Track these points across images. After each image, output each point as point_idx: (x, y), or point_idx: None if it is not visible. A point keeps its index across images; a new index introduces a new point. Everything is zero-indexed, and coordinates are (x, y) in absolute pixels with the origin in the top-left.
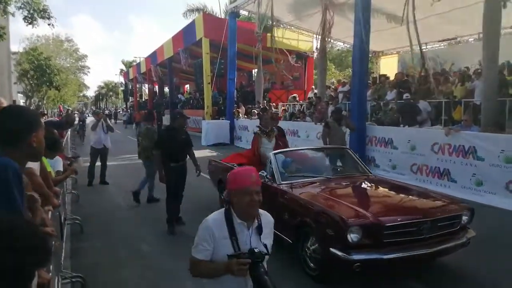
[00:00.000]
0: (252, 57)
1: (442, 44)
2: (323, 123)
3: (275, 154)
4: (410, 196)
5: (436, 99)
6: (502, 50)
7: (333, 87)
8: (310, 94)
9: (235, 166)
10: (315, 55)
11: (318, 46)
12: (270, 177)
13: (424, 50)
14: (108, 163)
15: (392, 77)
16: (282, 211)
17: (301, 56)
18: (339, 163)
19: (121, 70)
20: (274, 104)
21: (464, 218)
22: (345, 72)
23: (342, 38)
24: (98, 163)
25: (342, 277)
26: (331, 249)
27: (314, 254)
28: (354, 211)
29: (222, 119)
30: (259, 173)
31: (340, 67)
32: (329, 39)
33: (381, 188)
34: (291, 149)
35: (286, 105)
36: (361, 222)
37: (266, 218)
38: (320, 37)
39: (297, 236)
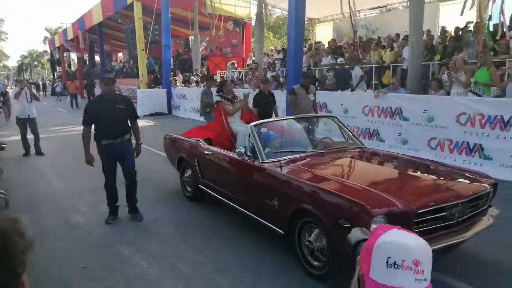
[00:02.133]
0: (188, 22)
1: (373, 12)
2: (289, 90)
3: (254, 126)
4: (431, 173)
5: (368, 64)
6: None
7: (271, 54)
8: (249, 61)
9: (200, 141)
10: (252, 21)
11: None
12: (250, 154)
13: (357, 17)
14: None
15: (327, 44)
16: (268, 196)
17: (239, 23)
18: (327, 134)
19: (45, 38)
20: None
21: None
22: (283, 40)
23: (279, 4)
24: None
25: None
26: None
27: (319, 250)
28: (375, 195)
29: (159, 88)
30: (237, 149)
31: (278, 35)
32: (266, 5)
33: (390, 164)
34: (271, 119)
35: (225, 72)
36: (387, 210)
37: None
38: (257, 2)
39: (292, 227)
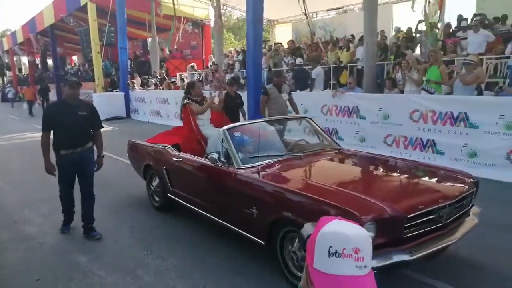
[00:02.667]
0: (145, 24)
1: (331, 13)
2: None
3: (227, 129)
4: (415, 174)
5: (326, 65)
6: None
7: (231, 55)
8: (210, 63)
9: (168, 147)
10: (211, 22)
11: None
12: (224, 160)
13: (314, 19)
14: None
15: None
16: (246, 204)
17: (198, 24)
18: (301, 136)
19: None
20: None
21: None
22: (243, 41)
23: (238, 6)
24: None
25: None
26: None
27: (303, 261)
28: (363, 201)
29: (116, 91)
30: (209, 155)
31: (239, 36)
32: (224, 6)
33: (371, 166)
34: (244, 122)
35: (185, 74)
36: (377, 216)
37: None
38: (215, 4)
39: (273, 237)
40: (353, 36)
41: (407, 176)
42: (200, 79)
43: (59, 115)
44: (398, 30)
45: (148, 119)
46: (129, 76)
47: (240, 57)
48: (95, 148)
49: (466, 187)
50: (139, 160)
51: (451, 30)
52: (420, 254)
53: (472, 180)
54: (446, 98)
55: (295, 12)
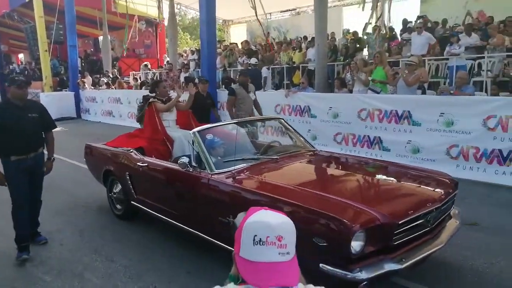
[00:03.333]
0: (96, 22)
1: (284, 15)
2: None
3: (198, 132)
4: (398, 177)
5: (279, 65)
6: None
7: (185, 55)
8: (165, 62)
9: (131, 151)
10: (165, 21)
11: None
12: (196, 165)
13: (269, 19)
14: None
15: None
16: (221, 213)
17: (151, 23)
18: (274, 138)
19: None
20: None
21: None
22: (198, 41)
23: (192, 5)
24: None
25: None
26: (322, 265)
27: None
28: (352, 208)
29: (65, 90)
30: (179, 160)
31: (194, 36)
32: (178, 6)
33: (352, 169)
34: (215, 124)
35: (139, 73)
36: (368, 224)
37: None
38: (168, 2)
39: None
40: (305, 37)
41: (391, 179)
42: (154, 78)
43: (6, 118)
44: (347, 32)
45: (99, 119)
46: (79, 75)
47: (195, 56)
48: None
49: (450, 189)
50: (98, 165)
51: (393, 33)
52: (410, 262)
53: (452, 181)
54: (391, 97)
55: (249, 12)
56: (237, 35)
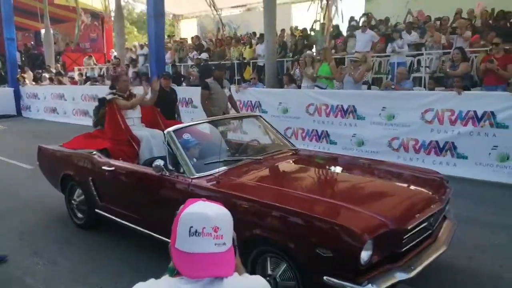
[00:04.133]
0: (37, 14)
1: (235, 11)
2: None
3: (173, 131)
4: (396, 178)
5: (230, 61)
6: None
7: (134, 49)
8: (112, 57)
9: (94, 154)
10: (112, 14)
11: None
12: (172, 168)
13: (220, 15)
14: None
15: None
16: None
17: (97, 16)
18: (252, 137)
19: None
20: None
21: None
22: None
23: None
24: None
25: None
26: (326, 278)
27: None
28: (359, 214)
29: (3, 86)
30: (154, 163)
31: (143, 30)
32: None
33: (344, 169)
34: (191, 123)
35: (84, 69)
36: (377, 232)
37: None
38: None
39: (244, 260)
40: (254, 33)
41: (389, 181)
42: (101, 73)
43: None
44: (295, 29)
45: (42, 116)
46: (19, 70)
47: (145, 51)
48: None
49: (447, 188)
50: (54, 169)
51: (339, 30)
52: (419, 269)
53: (443, 178)
54: (337, 92)
55: (200, 7)
56: (188, 30)
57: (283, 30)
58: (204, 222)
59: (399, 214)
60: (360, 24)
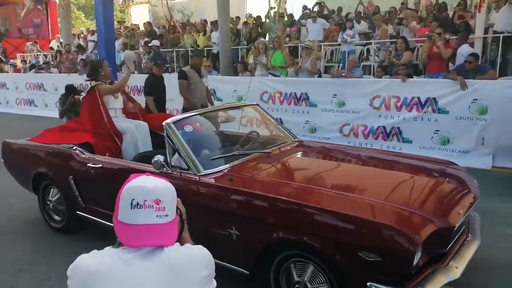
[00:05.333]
0: None
1: None
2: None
3: (174, 123)
4: (424, 173)
5: (184, 48)
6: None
7: (82, 35)
8: (55, 43)
9: (75, 149)
10: None
11: None
12: (176, 165)
13: (173, 1)
14: None
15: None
16: (219, 224)
17: (41, 0)
18: (252, 127)
19: None
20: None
21: None
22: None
23: None
24: None
25: None
26: (371, 284)
27: None
28: (405, 213)
29: None
30: (153, 159)
31: (91, 16)
32: None
33: (365, 164)
34: (191, 113)
35: (28, 55)
36: (428, 232)
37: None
38: None
39: (261, 264)
40: (205, 20)
41: (418, 175)
42: (47, 60)
43: None
44: (250, 16)
45: None
46: None
47: (95, 37)
48: None
49: (474, 180)
50: (24, 167)
51: (293, 19)
52: (463, 267)
53: (464, 169)
54: (290, 80)
55: None
56: (139, 17)
57: (237, 18)
58: (146, 195)
59: (444, 212)
60: (312, 14)
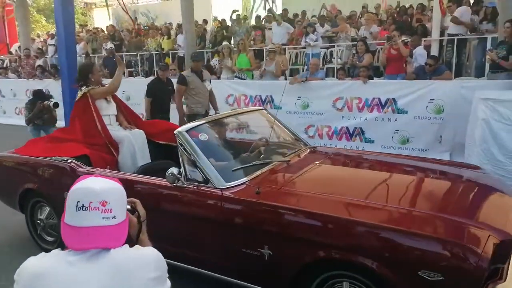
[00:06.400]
0: None
1: (153, 0)
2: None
3: (187, 131)
4: (462, 180)
5: (148, 51)
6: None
7: (41, 39)
8: (14, 47)
9: (71, 162)
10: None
11: None
12: (191, 178)
13: (136, 4)
14: None
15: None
16: (249, 243)
17: None
18: (262, 134)
19: None
20: None
21: None
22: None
23: None
24: None
25: None
26: None
27: None
28: (468, 227)
29: None
30: (168, 172)
31: (51, 19)
32: None
33: (391, 170)
34: (203, 121)
35: None
36: (494, 247)
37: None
38: None
39: (296, 286)
40: (170, 24)
41: (459, 183)
42: (4, 66)
43: None
44: (215, 19)
45: None
46: None
47: (55, 41)
48: None
49: (506, 182)
50: (10, 183)
51: (261, 23)
52: None
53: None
54: (255, 83)
55: None
56: (102, 20)
57: (204, 21)
58: (91, 197)
59: (502, 223)
60: (276, 17)
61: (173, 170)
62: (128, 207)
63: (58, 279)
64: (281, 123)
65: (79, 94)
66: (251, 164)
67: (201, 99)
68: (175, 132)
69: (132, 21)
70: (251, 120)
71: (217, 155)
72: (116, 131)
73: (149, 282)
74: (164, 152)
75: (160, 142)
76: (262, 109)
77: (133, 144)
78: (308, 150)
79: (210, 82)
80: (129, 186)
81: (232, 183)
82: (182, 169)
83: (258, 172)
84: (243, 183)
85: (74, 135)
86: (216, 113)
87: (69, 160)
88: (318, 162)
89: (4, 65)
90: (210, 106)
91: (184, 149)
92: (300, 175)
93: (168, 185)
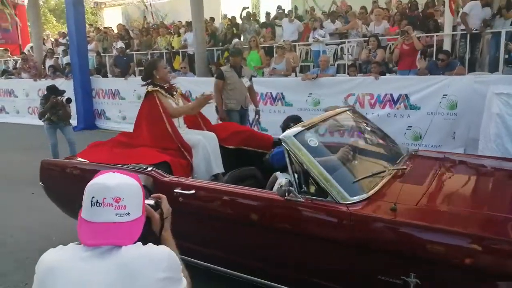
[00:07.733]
0: None
1: None
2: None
3: (295, 136)
4: None
5: (158, 50)
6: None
7: (52, 39)
8: (28, 48)
9: (152, 170)
10: (25, 2)
11: None
12: (305, 190)
13: (146, 3)
14: None
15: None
16: (386, 270)
17: (5, 3)
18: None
19: None
20: None
21: None
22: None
23: None
24: None
25: None
26: None
27: None
28: None
29: None
30: (277, 183)
31: (62, 19)
32: None
33: (484, 175)
34: (307, 123)
35: None
36: None
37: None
38: None
39: None
40: (180, 22)
41: None
42: (16, 66)
43: None
44: (224, 17)
45: None
46: None
47: (66, 41)
48: None
49: None
50: (73, 192)
51: (270, 20)
52: None
53: None
54: (266, 80)
55: None
56: (112, 19)
57: (212, 19)
58: (105, 193)
59: None
60: (287, 13)
61: (285, 181)
62: (152, 202)
63: (68, 275)
64: (372, 123)
65: (148, 89)
66: (370, 174)
67: (236, 95)
68: (280, 137)
69: (152, 17)
70: (343, 121)
71: (327, 163)
72: (187, 134)
73: (157, 283)
74: (235, 156)
75: (230, 147)
76: (351, 108)
77: (207, 149)
78: (412, 154)
79: (251, 79)
80: (228, 200)
81: (357, 197)
82: (292, 180)
83: (380, 184)
84: (369, 198)
85: (143, 139)
86: (256, 110)
87: (150, 169)
88: (435, 169)
89: (17, 66)
90: (249, 102)
91: (296, 157)
92: (427, 186)
93: (278, 198)
